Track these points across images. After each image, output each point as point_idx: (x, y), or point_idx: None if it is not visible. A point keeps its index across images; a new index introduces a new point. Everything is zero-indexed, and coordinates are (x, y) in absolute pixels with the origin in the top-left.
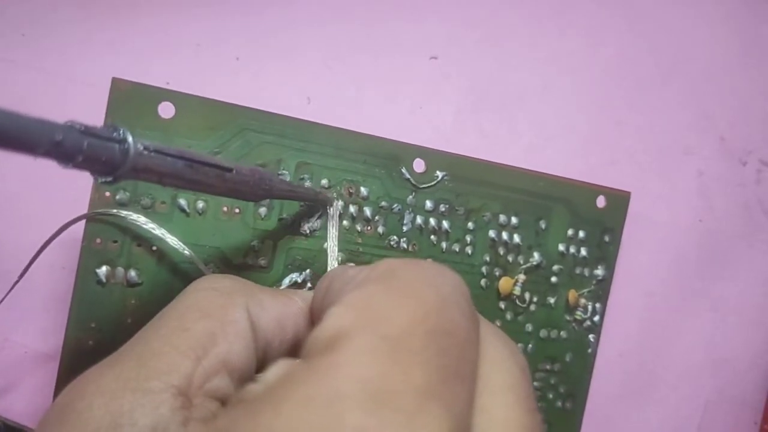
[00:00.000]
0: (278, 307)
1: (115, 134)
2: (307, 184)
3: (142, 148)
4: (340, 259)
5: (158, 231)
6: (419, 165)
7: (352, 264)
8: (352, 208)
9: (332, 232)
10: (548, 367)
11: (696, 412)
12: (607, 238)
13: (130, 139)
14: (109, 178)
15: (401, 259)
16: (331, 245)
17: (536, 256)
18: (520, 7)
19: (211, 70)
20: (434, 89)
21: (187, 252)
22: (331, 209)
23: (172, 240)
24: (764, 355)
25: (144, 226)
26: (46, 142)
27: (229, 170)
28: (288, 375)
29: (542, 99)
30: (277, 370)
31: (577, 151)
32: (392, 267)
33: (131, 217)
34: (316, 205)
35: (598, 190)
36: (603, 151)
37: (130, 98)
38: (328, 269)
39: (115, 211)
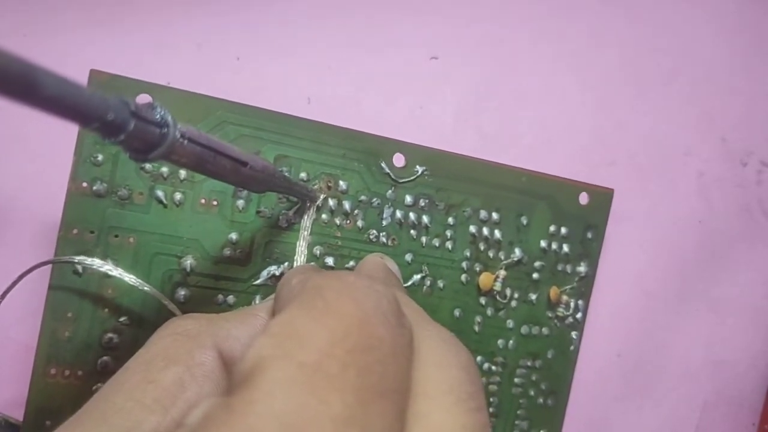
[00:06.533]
0: (247, 331)
1: (158, 117)
2: (286, 176)
3: (179, 135)
4: (305, 258)
5: (115, 272)
6: (399, 159)
7: (311, 264)
8: (331, 202)
9: (306, 226)
10: (530, 363)
11: (694, 412)
12: (590, 235)
13: (170, 126)
14: (139, 157)
15: (330, 273)
16: (301, 242)
17: (517, 252)
18: (520, 7)
19: (212, 70)
20: (434, 89)
21: (147, 288)
22: (312, 205)
23: (130, 278)
24: (763, 356)
25: (100, 269)
26: (97, 118)
27: (245, 164)
28: (207, 417)
29: (543, 99)
30: (199, 412)
31: (577, 151)
32: (318, 284)
33: (86, 262)
34: (299, 199)
35: (581, 186)
36: (603, 152)
37: (108, 90)
38: (294, 265)
39: (77, 258)
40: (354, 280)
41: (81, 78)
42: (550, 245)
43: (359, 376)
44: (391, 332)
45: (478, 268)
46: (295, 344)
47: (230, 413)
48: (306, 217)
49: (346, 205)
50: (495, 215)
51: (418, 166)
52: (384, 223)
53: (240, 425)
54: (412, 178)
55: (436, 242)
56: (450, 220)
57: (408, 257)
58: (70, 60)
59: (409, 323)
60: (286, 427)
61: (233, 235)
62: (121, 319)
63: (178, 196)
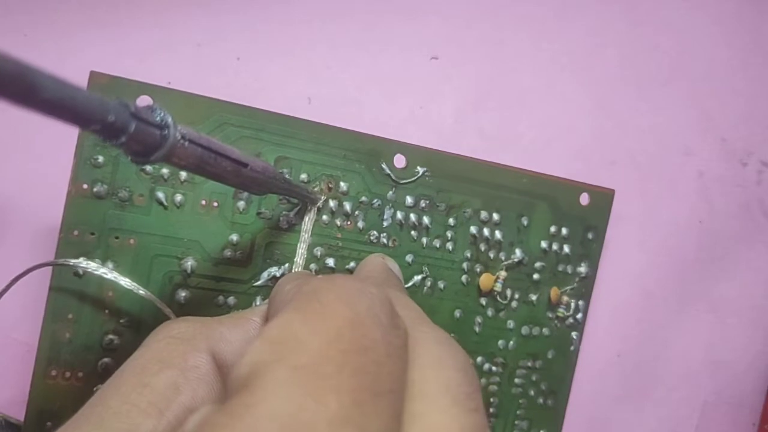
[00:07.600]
0: (240, 334)
1: (158, 119)
2: (287, 177)
3: (179, 137)
4: (305, 260)
5: (110, 275)
6: (400, 160)
7: (305, 271)
8: (331, 203)
9: (306, 227)
10: (530, 363)
11: (694, 413)
12: (590, 236)
13: (171, 127)
14: (140, 160)
15: (326, 277)
16: (301, 244)
17: (518, 252)
18: (520, 7)
19: (212, 70)
20: (434, 89)
21: (142, 292)
22: (313, 207)
23: (125, 282)
24: (763, 356)
25: (95, 272)
26: (98, 120)
27: (245, 165)
28: (205, 422)
29: (543, 99)
30: (197, 418)
31: (577, 151)
32: (315, 288)
33: (81, 265)
34: (299, 201)
35: (582, 187)
36: (603, 152)
37: (108, 91)
38: (293, 270)
39: (73, 261)
40: (344, 283)
41: (81, 79)
42: (550, 246)
43: (354, 377)
44: (385, 333)
45: (478, 269)
46: (290, 348)
47: (229, 417)
48: (307, 218)
49: (347, 206)
50: (495, 216)
51: (418, 167)
52: (385, 224)
53: (239, 428)
54: (412, 179)
55: (436, 243)
56: (450, 220)
57: (408, 258)
58: (71, 59)
59: (403, 324)
60: (285, 428)
61: (234, 237)
62: (122, 321)
63: (178, 197)
